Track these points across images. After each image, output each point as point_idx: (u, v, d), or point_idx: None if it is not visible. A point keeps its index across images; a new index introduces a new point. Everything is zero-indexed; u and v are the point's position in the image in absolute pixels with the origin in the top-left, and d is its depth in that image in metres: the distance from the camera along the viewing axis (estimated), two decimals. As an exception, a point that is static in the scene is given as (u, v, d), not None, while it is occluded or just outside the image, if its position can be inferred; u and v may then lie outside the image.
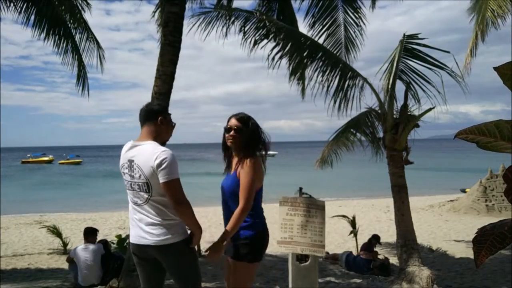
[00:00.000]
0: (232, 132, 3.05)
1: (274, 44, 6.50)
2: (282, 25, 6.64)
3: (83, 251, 6.32)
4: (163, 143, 2.89)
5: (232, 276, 3.06)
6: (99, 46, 7.83)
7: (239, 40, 6.45)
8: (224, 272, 3.43)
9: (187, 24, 5.97)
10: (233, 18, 6.31)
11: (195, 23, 6.17)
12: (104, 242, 7.00)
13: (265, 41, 6.46)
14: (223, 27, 6.31)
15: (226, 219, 3.06)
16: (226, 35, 6.38)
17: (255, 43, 6.45)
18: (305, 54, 6.59)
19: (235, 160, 3.14)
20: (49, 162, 70.74)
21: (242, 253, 2.97)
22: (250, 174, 2.90)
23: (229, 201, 3.04)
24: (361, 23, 7.92)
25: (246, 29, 6.36)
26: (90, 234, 6.73)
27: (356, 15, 7.86)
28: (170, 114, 2.98)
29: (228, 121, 3.14)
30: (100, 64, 7.84)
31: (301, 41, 6.59)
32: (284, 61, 6.58)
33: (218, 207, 3.57)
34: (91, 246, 6.44)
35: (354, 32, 7.99)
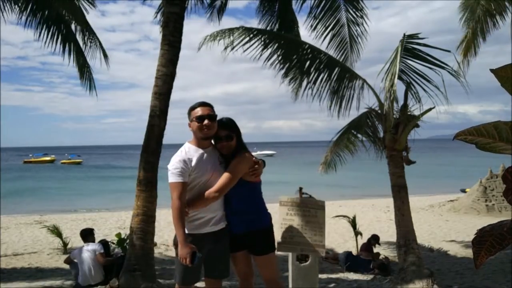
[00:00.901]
0: (224, 142, 3.08)
1: (272, 51, 6.63)
2: (281, 36, 6.75)
3: (87, 250, 6.35)
4: (205, 138, 3.08)
5: (271, 266, 3.29)
6: (101, 45, 7.83)
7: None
8: (243, 270, 3.39)
9: (187, 18, 6.04)
10: (234, 43, 6.45)
11: (202, 43, 6.39)
12: (104, 242, 7.03)
13: (265, 50, 6.58)
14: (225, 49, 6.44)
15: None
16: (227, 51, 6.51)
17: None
18: (306, 64, 6.72)
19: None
20: (51, 162, 71.39)
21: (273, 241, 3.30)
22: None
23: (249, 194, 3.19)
24: (364, 22, 7.82)
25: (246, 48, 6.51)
26: (88, 235, 6.78)
27: (359, 13, 7.78)
28: (191, 114, 3.07)
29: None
30: (106, 60, 7.86)
31: (302, 52, 6.71)
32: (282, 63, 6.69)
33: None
34: (91, 245, 6.48)
35: (356, 30, 7.92)
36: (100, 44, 7.81)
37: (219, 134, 3.07)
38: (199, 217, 3.04)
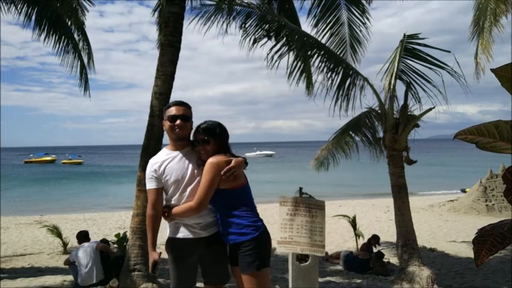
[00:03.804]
0: (200, 146, 2.90)
1: (274, 43, 6.51)
2: (285, 21, 6.64)
3: (83, 251, 6.33)
4: (177, 139, 2.94)
5: None
6: (89, 47, 7.86)
7: (234, 41, 6.50)
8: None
9: (187, 18, 6.01)
10: (234, 14, 6.33)
11: (196, 16, 6.22)
12: (105, 242, 7.03)
13: (265, 39, 6.48)
14: (223, 22, 6.32)
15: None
16: (226, 31, 6.39)
17: (255, 41, 6.46)
18: (308, 51, 6.60)
19: None
20: (52, 162, 71.45)
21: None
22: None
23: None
24: (366, 20, 7.75)
25: (246, 25, 6.38)
26: (83, 237, 6.83)
27: (359, 13, 7.74)
28: (165, 113, 2.94)
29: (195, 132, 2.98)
30: (91, 65, 7.89)
31: (304, 39, 6.60)
32: (284, 60, 6.61)
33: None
34: (87, 244, 6.48)
35: (355, 30, 7.90)
36: (89, 46, 7.82)
37: (196, 137, 2.93)
38: (184, 222, 2.94)
